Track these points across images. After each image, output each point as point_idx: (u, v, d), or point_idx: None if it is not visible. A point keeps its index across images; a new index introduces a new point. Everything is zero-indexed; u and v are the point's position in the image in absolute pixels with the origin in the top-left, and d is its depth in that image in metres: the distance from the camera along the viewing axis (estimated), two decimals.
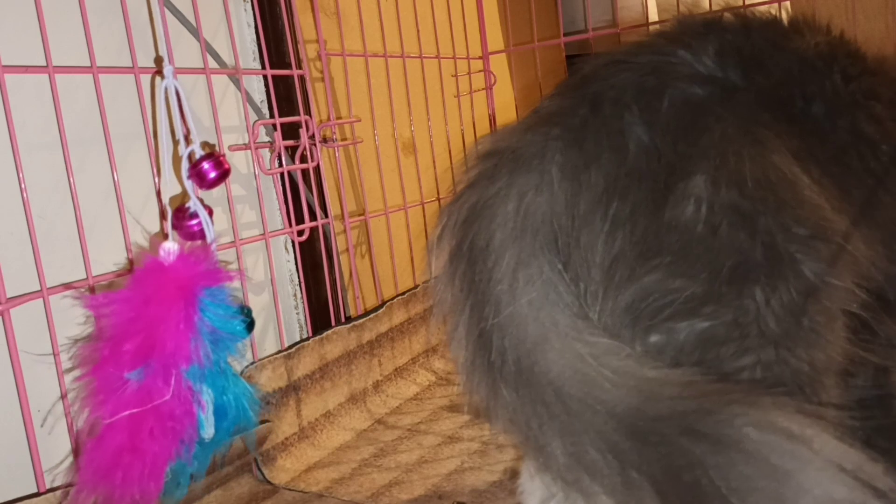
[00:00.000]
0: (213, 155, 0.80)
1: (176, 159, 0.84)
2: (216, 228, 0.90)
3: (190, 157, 0.80)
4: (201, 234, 0.79)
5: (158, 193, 0.88)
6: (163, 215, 0.78)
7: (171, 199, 0.80)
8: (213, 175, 0.79)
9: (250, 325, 0.79)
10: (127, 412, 0.67)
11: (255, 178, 1.03)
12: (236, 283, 0.79)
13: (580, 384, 0.52)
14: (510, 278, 0.55)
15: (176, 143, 0.83)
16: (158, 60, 0.89)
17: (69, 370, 0.76)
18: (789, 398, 0.51)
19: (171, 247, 0.74)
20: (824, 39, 0.65)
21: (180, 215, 0.79)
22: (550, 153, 0.57)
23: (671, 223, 0.55)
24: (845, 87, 0.63)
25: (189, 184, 0.79)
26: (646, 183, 0.56)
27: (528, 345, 0.53)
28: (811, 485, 0.45)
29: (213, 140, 0.97)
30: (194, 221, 0.79)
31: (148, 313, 0.70)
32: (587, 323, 0.54)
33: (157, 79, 0.88)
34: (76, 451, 0.77)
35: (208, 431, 0.74)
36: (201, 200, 0.80)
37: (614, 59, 0.63)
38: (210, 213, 0.80)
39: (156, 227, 0.90)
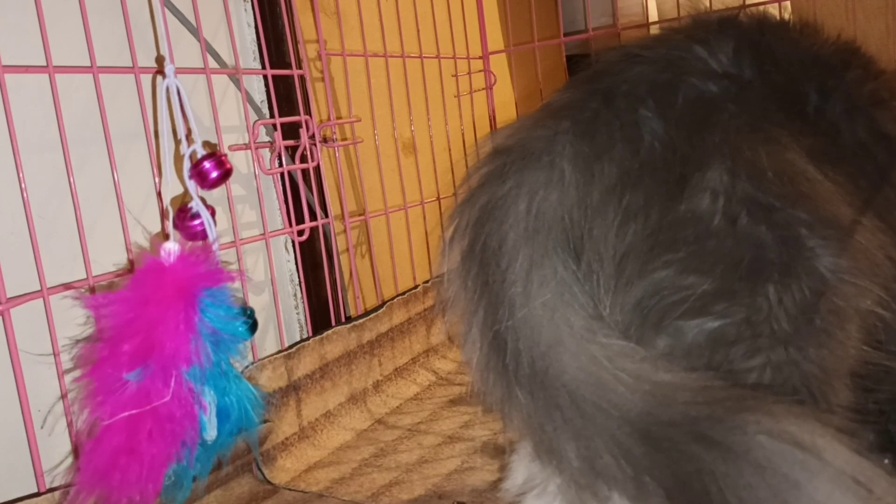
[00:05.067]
0: (214, 154, 0.79)
1: (177, 159, 0.84)
2: (217, 228, 0.90)
3: (191, 156, 0.79)
4: (203, 235, 0.79)
5: (159, 194, 0.88)
6: (164, 215, 0.78)
7: (172, 200, 0.79)
8: (214, 175, 0.79)
9: (253, 326, 0.78)
10: (125, 414, 0.67)
11: (256, 178, 1.03)
12: (237, 284, 0.78)
13: (594, 387, 0.51)
14: (524, 280, 0.54)
15: (178, 142, 0.83)
16: (160, 59, 0.89)
17: (69, 370, 0.76)
18: (803, 406, 0.50)
19: (171, 247, 0.73)
20: (839, 42, 0.65)
21: (182, 215, 0.79)
22: (560, 147, 0.57)
23: (686, 216, 0.54)
24: (864, 84, 0.62)
25: (191, 184, 0.79)
26: (660, 175, 0.55)
27: (542, 347, 0.53)
28: (820, 496, 0.45)
29: (213, 140, 0.97)
30: (196, 222, 0.78)
31: (147, 314, 0.69)
32: (601, 324, 0.54)
33: (159, 78, 0.88)
34: (76, 452, 0.76)
35: (211, 433, 0.74)
36: (203, 200, 0.80)
37: (628, 53, 0.62)
38: (212, 212, 0.80)
39: (156, 227, 0.90)
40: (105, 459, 0.67)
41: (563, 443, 0.52)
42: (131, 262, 0.84)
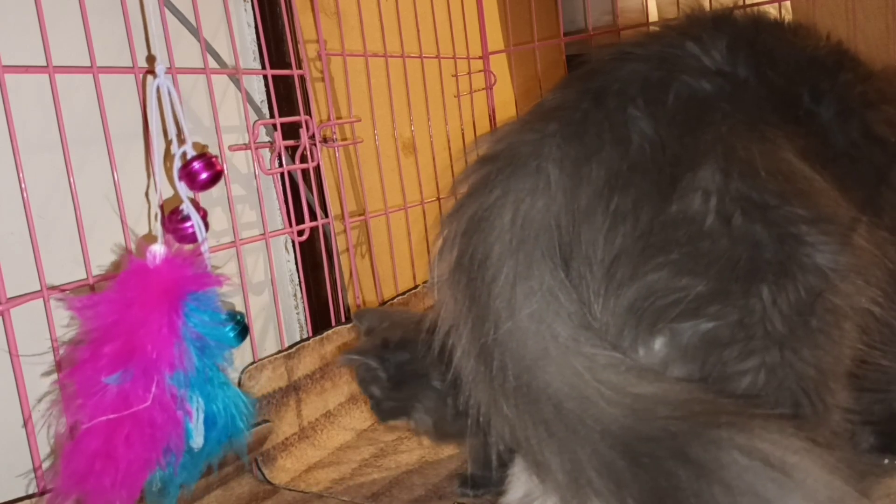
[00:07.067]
0: (204, 155, 0.78)
1: (170, 160, 0.83)
2: (217, 228, 0.90)
3: (181, 157, 0.77)
4: (193, 238, 0.77)
5: (147, 194, 0.88)
6: (154, 217, 0.77)
7: (169, 201, 0.79)
8: (204, 176, 0.77)
9: (243, 332, 0.76)
10: (103, 417, 0.65)
11: (256, 178, 1.03)
12: (227, 289, 0.76)
13: (577, 401, 0.51)
14: (508, 293, 0.54)
15: (169, 142, 0.82)
16: (151, 59, 0.89)
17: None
18: (782, 420, 0.49)
19: (157, 249, 0.72)
20: (830, 43, 0.65)
21: (174, 218, 0.77)
22: (547, 150, 0.56)
23: (678, 217, 0.53)
24: (856, 87, 0.62)
25: (181, 185, 0.77)
26: (650, 176, 0.54)
27: (527, 360, 0.53)
28: None
29: (213, 140, 0.97)
30: (187, 224, 0.77)
31: (130, 317, 0.67)
32: (588, 333, 0.53)
33: (150, 77, 0.87)
34: (55, 454, 0.75)
35: (197, 440, 0.72)
36: (196, 202, 0.79)
37: (622, 50, 0.61)
38: (204, 215, 0.78)
39: (156, 228, 0.90)
40: (82, 463, 0.66)
41: (549, 456, 0.52)
42: (117, 265, 0.83)
